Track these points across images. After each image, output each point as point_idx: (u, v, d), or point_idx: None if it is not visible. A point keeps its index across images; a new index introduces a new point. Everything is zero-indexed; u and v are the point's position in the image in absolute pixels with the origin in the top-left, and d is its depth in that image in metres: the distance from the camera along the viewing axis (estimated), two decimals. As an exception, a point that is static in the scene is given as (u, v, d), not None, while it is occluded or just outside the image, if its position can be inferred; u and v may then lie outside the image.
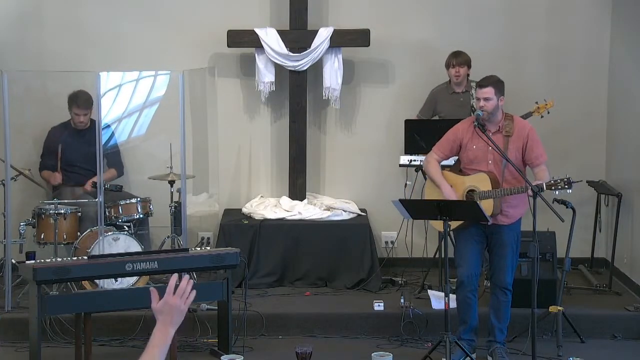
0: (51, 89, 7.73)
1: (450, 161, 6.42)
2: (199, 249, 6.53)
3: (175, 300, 2.82)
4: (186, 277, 2.88)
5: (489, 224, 5.82)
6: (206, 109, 7.88)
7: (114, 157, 7.53)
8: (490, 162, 5.91)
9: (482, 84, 5.93)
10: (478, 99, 5.90)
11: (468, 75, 7.40)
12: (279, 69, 7.71)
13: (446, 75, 7.47)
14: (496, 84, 5.91)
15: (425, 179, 6.56)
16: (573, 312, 6.48)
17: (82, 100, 7.31)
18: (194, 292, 2.87)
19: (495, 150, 5.81)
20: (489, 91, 5.87)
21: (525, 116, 7.18)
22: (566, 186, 5.68)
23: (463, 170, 6.04)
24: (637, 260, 7.24)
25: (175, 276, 2.88)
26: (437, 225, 6.06)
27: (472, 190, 5.91)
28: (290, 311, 6.74)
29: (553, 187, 5.69)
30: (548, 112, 7.25)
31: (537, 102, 7.25)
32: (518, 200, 5.90)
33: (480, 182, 5.88)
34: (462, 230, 5.97)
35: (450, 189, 5.92)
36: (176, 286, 2.86)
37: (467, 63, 7.34)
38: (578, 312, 6.57)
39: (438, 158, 6.09)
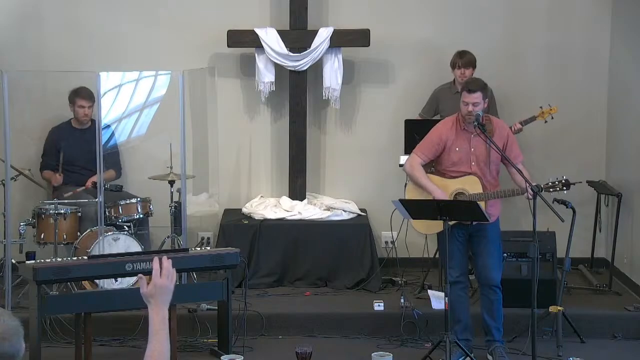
0: (51, 89, 7.74)
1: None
2: (199, 249, 6.54)
3: (164, 281, 2.97)
4: (164, 257, 3.04)
5: (473, 224, 5.81)
6: (206, 109, 7.88)
7: (113, 158, 7.53)
8: (473, 163, 5.90)
9: (472, 88, 5.87)
10: (467, 103, 5.84)
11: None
12: (279, 69, 7.71)
13: (449, 74, 7.46)
14: (484, 88, 5.92)
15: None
16: (573, 312, 6.48)
17: (86, 92, 7.34)
18: (174, 270, 3.04)
19: (495, 151, 5.82)
20: (478, 96, 5.84)
21: (529, 120, 7.18)
22: (564, 188, 5.68)
23: (445, 172, 5.99)
24: (637, 260, 7.24)
25: (156, 259, 3.01)
26: (419, 227, 6.06)
27: (460, 193, 5.89)
28: (290, 311, 6.74)
29: (551, 190, 5.69)
30: (552, 118, 7.25)
31: (541, 107, 7.24)
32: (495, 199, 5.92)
33: (470, 185, 5.87)
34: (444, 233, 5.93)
35: (439, 190, 5.89)
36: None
37: (473, 64, 7.33)
38: (578, 312, 6.57)
39: (422, 161, 6.01)
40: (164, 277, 2.98)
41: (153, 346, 2.88)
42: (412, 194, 6.10)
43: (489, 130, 5.88)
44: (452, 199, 5.88)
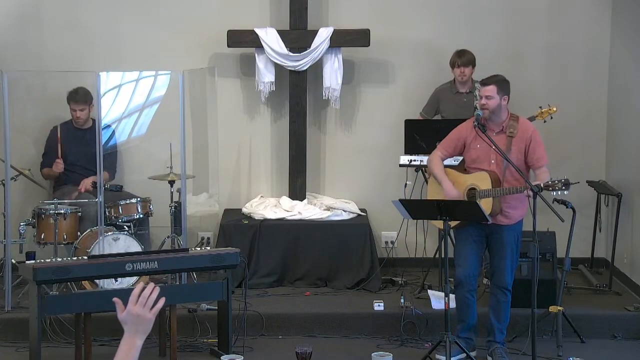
0: (51, 89, 7.74)
1: (452, 161, 6.40)
2: (199, 249, 6.54)
3: (137, 309, 2.71)
4: (151, 284, 2.78)
5: (488, 223, 5.81)
6: (206, 109, 7.88)
7: (110, 159, 7.49)
8: (492, 161, 5.91)
9: (485, 81, 5.94)
10: (480, 97, 5.92)
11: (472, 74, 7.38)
12: (279, 69, 7.71)
13: (449, 74, 7.47)
14: (500, 83, 5.90)
15: (426, 178, 6.56)
16: (573, 312, 6.48)
17: (79, 96, 7.33)
18: (163, 299, 2.77)
19: (495, 149, 5.82)
20: (491, 89, 5.86)
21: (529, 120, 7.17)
22: (563, 187, 5.67)
23: (467, 169, 6.05)
24: (637, 260, 7.24)
25: (140, 285, 2.78)
26: (438, 223, 6.07)
27: (472, 189, 5.92)
28: (290, 311, 6.74)
29: (550, 188, 5.68)
30: (551, 118, 7.24)
31: (540, 107, 7.24)
32: (517, 201, 5.90)
33: (481, 181, 5.88)
34: (461, 230, 5.97)
35: (451, 185, 5.94)
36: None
37: (472, 62, 7.33)
38: (578, 312, 6.57)
39: (442, 156, 6.10)
40: (139, 305, 2.72)
41: None
42: (432, 188, 6.16)
43: (513, 130, 5.88)
44: (465, 194, 5.91)
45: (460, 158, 6.21)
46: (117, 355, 2.69)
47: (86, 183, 7.29)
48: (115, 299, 2.76)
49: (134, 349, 2.71)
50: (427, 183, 6.62)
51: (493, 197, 5.82)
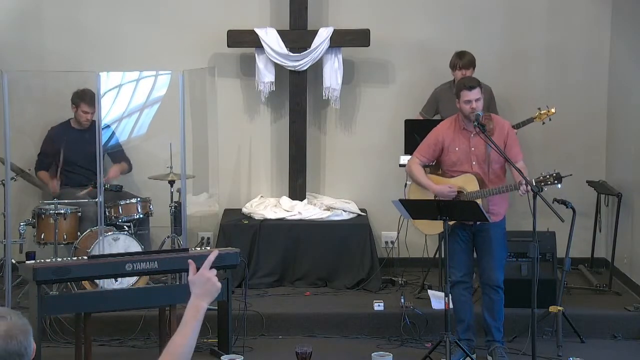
0: (51, 89, 7.74)
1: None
2: (199, 249, 6.54)
3: (210, 274, 2.97)
4: (215, 251, 3.05)
5: (482, 223, 5.81)
6: (206, 109, 7.88)
7: (120, 154, 7.54)
8: (474, 162, 5.90)
9: (472, 85, 5.88)
10: (469, 101, 5.84)
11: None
12: (279, 69, 7.71)
13: (448, 74, 7.46)
14: (480, 84, 5.95)
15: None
16: (573, 312, 6.48)
17: (89, 98, 7.33)
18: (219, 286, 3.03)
19: (494, 150, 5.81)
20: (478, 92, 5.86)
21: (527, 122, 7.15)
22: (555, 181, 5.66)
23: (446, 172, 6.00)
24: (637, 260, 7.24)
25: (215, 252, 3.04)
26: (424, 228, 6.07)
27: (459, 192, 5.90)
28: (290, 311, 6.74)
29: (542, 183, 5.68)
30: (550, 119, 7.22)
31: (539, 108, 7.23)
32: (500, 197, 5.92)
33: (467, 183, 5.87)
34: (449, 233, 5.93)
35: (439, 187, 5.90)
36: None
37: (473, 64, 7.31)
38: (578, 312, 6.57)
39: (420, 162, 6.04)
40: (211, 272, 2.97)
41: (175, 338, 2.87)
42: (414, 195, 6.11)
43: (490, 129, 5.88)
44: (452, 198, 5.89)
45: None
46: (184, 318, 2.97)
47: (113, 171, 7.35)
48: (190, 261, 3.01)
49: (200, 311, 3.01)
50: None
51: (482, 197, 5.82)
